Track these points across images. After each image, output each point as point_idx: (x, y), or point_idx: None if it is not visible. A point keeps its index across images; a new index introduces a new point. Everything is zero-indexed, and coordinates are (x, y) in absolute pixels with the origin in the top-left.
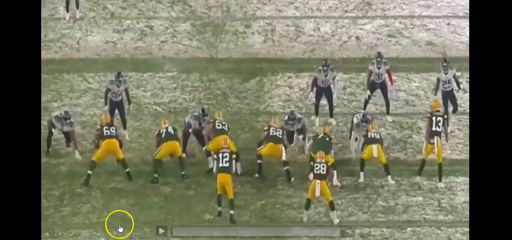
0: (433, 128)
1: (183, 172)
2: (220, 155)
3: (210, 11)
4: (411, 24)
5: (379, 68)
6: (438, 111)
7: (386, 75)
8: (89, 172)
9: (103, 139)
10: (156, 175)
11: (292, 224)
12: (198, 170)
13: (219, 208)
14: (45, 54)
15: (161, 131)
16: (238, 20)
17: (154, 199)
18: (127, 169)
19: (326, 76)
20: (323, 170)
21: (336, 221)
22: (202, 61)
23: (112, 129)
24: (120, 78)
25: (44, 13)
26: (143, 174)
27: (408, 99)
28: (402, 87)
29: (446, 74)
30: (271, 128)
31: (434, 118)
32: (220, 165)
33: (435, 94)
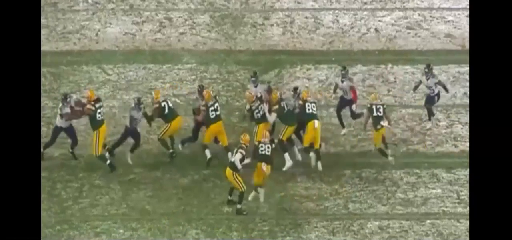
0: (375, 114)
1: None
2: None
3: (229, 3)
4: (430, 16)
5: (342, 82)
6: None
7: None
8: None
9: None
10: (171, 151)
11: (311, 216)
12: (218, 162)
13: (230, 197)
14: (63, 46)
15: (162, 105)
16: (257, 12)
17: (172, 191)
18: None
19: (342, 82)
20: (268, 151)
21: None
22: (221, 53)
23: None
24: (140, 105)
25: (62, 4)
26: (161, 166)
27: (427, 91)
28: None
29: (427, 80)
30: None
31: (374, 107)
32: (230, 159)
33: (414, 91)
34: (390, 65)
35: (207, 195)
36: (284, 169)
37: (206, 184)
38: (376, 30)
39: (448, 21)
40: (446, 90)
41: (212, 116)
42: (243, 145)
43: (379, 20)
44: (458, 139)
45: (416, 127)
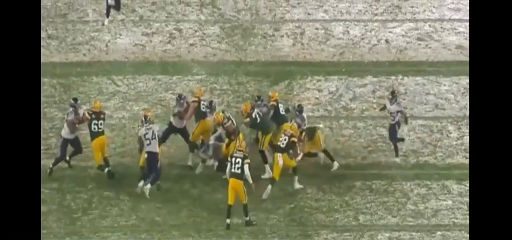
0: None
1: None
2: (233, 159)
3: (239, 14)
4: (441, 27)
5: (297, 117)
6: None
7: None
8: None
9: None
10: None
11: (321, 228)
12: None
13: (228, 221)
14: (73, 57)
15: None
16: (267, 23)
17: (182, 202)
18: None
19: (297, 118)
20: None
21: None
22: (231, 64)
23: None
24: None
25: (72, 15)
26: (171, 177)
27: (437, 102)
28: (432, 90)
29: (391, 105)
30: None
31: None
32: (232, 170)
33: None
34: (400, 77)
35: (217, 206)
36: (263, 177)
37: (216, 195)
38: (387, 41)
39: (459, 32)
40: (406, 122)
41: (202, 109)
42: (245, 154)
43: (390, 32)
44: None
45: (427, 139)
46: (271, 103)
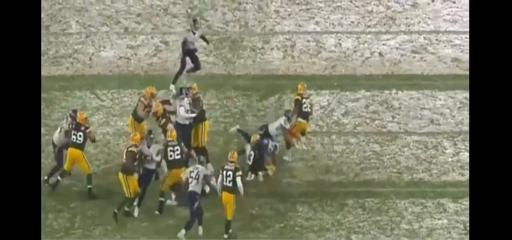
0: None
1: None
2: (224, 172)
3: (227, 26)
4: (436, 39)
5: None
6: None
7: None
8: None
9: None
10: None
11: None
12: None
13: (226, 236)
14: (56, 70)
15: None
16: (257, 35)
17: (170, 221)
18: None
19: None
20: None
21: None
22: (219, 78)
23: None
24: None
25: (55, 27)
26: (157, 195)
27: (433, 117)
28: (427, 105)
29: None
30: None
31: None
32: (224, 183)
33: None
34: (394, 91)
35: (206, 224)
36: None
37: (205, 214)
38: (380, 54)
39: (455, 45)
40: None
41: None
42: (237, 166)
43: (383, 44)
44: (465, 167)
45: (421, 155)
46: (194, 94)
